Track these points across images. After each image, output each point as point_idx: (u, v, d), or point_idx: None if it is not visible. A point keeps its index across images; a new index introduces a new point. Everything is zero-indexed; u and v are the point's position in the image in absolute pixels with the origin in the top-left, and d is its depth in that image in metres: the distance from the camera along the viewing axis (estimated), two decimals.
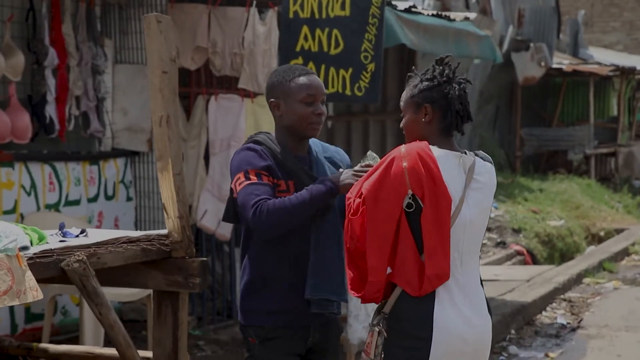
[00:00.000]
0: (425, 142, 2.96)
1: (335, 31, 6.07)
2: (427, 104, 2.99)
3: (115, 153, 6.52)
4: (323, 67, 6.20)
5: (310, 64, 6.20)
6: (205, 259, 3.51)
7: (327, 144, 3.55)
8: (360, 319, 5.50)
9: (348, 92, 6.14)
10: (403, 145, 2.98)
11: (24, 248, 2.93)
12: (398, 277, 2.93)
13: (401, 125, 3.11)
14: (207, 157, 6.51)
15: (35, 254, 2.96)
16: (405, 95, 3.05)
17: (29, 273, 2.81)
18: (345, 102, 7.28)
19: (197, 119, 6.52)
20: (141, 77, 6.26)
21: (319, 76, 6.32)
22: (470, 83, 3.12)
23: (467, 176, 2.96)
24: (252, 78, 6.34)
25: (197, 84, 6.71)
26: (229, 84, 6.67)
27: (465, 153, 3.02)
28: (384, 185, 2.89)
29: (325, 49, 6.12)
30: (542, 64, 15.63)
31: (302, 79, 3.30)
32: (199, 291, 3.57)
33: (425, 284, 2.90)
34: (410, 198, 2.88)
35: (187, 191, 6.16)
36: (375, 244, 2.91)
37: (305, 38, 6.16)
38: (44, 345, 3.83)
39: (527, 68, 15.68)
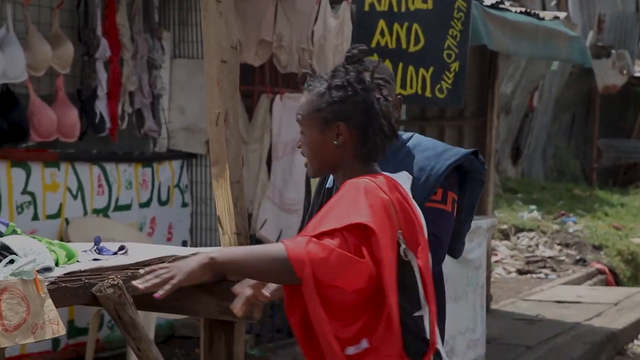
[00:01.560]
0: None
1: (415, 26, 5.54)
2: (340, 122, 2.23)
3: (171, 155, 6.13)
4: (401, 65, 5.66)
5: (387, 62, 5.65)
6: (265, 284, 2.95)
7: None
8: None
9: (428, 93, 5.60)
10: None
11: (46, 269, 2.41)
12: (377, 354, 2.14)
13: (298, 145, 2.31)
14: (269, 162, 6.02)
15: (59, 277, 2.44)
16: (305, 105, 2.25)
17: (49, 302, 2.28)
18: (425, 105, 6.72)
19: (260, 119, 6.04)
20: (201, 72, 5.78)
21: (395, 76, 5.85)
22: (391, 83, 2.41)
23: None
24: None
25: (261, 82, 6.21)
26: (295, 83, 6.15)
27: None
28: (379, 219, 2.12)
29: (404, 45, 5.60)
30: (624, 72, 14.88)
31: None
32: (257, 323, 3.00)
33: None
34: (403, 242, 2.17)
35: (247, 199, 5.68)
36: (393, 290, 2.14)
37: (382, 33, 5.64)
38: None
39: (608, 76, 14.95)
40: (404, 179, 2.31)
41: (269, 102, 6.05)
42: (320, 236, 2.07)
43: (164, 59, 5.95)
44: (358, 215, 2.08)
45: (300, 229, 2.73)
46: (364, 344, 2.11)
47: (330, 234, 2.07)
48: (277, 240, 5.92)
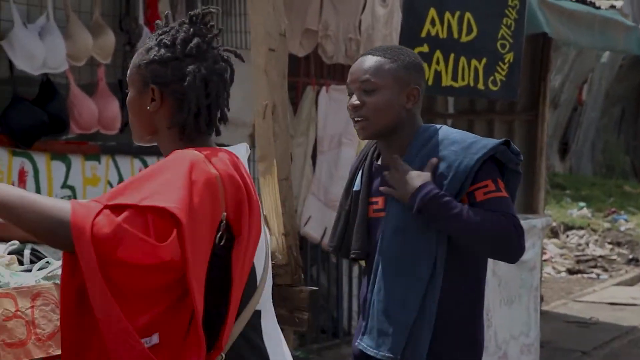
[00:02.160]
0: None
1: (467, 15, 5.31)
2: (154, 86, 1.98)
3: None
4: (452, 56, 5.43)
5: (437, 53, 5.43)
6: (316, 288, 2.80)
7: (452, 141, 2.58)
8: (489, 351, 4.74)
9: (481, 85, 5.37)
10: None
11: None
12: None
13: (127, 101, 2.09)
14: (314, 156, 5.83)
15: None
16: (134, 59, 2.04)
17: None
18: (477, 97, 6.49)
19: (305, 112, 5.85)
20: (245, 63, 5.60)
21: (446, 67, 5.62)
22: (242, 60, 2.10)
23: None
24: None
25: (306, 73, 6.00)
26: (341, 74, 5.95)
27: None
28: (198, 201, 1.79)
29: (456, 35, 5.37)
30: None
31: None
32: (306, 330, 2.82)
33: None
34: (224, 226, 1.84)
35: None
36: (200, 289, 1.80)
37: (432, 22, 5.41)
38: None
39: None
40: (242, 153, 2.05)
41: (314, 94, 5.86)
42: (117, 208, 1.74)
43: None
44: (167, 196, 1.75)
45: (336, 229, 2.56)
46: (155, 339, 1.78)
47: (129, 208, 1.74)
48: (322, 239, 5.72)
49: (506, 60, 5.28)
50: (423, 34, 5.42)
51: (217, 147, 2.01)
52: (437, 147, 2.47)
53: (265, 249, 2.02)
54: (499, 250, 2.40)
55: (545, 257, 9.57)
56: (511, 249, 2.38)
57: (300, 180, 5.82)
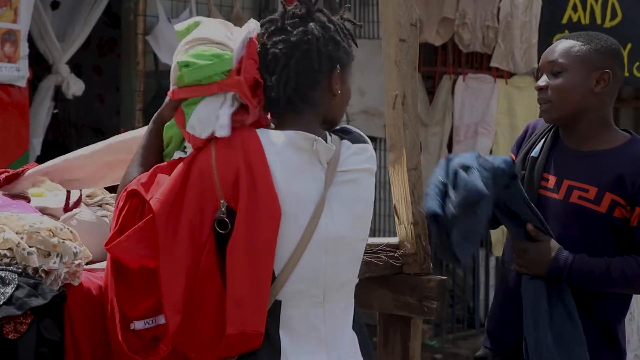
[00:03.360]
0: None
1: (612, 0, 5.13)
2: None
3: None
4: None
5: None
6: (444, 277, 2.78)
7: None
8: (632, 346, 4.59)
9: (625, 72, 5.18)
10: None
11: None
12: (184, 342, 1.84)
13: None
14: (449, 145, 5.79)
15: None
16: None
17: None
18: (622, 85, 6.27)
19: (442, 101, 5.82)
20: (381, 54, 5.62)
21: None
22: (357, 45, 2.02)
23: (328, 170, 1.92)
24: (508, 55, 5.54)
25: (443, 62, 5.96)
26: (479, 63, 5.88)
27: (329, 135, 1.97)
28: (185, 192, 1.84)
29: (599, 21, 5.23)
30: None
31: None
32: (435, 318, 2.82)
33: (222, 349, 1.84)
34: (223, 212, 1.85)
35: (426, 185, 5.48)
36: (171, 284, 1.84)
37: (574, 8, 5.28)
38: None
39: None
40: (361, 151, 2.00)
41: (451, 83, 5.82)
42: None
43: None
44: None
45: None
46: (161, 319, 1.86)
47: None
48: None
49: None
50: (564, 20, 5.30)
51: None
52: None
53: (296, 243, 1.90)
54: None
55: None
56: None
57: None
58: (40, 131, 4.72)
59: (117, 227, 1.86)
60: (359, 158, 1.98)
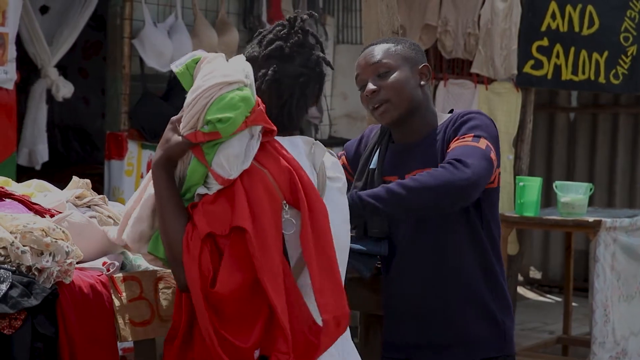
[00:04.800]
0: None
1: (589, 8, 5.26)
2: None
3: (333, 141, 6.05)
4: (572, 49, 5.38)
5: (557, 46, 5.40)
6: None
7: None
8: (607, 347, 4.68)
9: (602, 79, 5.31)
10: None
11: None
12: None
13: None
14: None
15: None
16: None
17: None
18: (598, 91, 6.38)
19: None
20: None
21: (566, 61, 5.57)
22: (332, 67, 2.10)
23: (319, 173, 2.01)
24: (488, 62, 5.63)
25: None
26: (460, 68, 5.97)
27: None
28: (255, 208, 1.89)
29: (577, 28, 5.32)
30: None
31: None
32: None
33: (323, 338, 1.92)
34: (287, 213, 1.93)
35: None
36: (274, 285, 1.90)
37: (553, 16, 5.37)
38: None
39: None
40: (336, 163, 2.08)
41: (432, 88, 5.91)
42: None
43: (327, 44, 5.90)
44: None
45: None
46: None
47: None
48: None
49: (629, 53, 5.19)
50: (543, 28, 5.40)
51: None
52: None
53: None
54: (447, 199, 2.33)
55: None
56: (455, 188, 2.29)
57: None
58: (44, 137, 4.74)
59: (204, 273, 1.84)
60: (339, 167, 2.08)
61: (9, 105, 4.18)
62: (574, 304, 5.71)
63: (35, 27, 4.64)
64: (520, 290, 7.30)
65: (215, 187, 1.90)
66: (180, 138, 1.92)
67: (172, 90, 5.00)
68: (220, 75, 1.91)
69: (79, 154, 7.10)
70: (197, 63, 1.96)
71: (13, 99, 4.23)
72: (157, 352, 2.93)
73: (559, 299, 7.38)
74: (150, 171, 1.99)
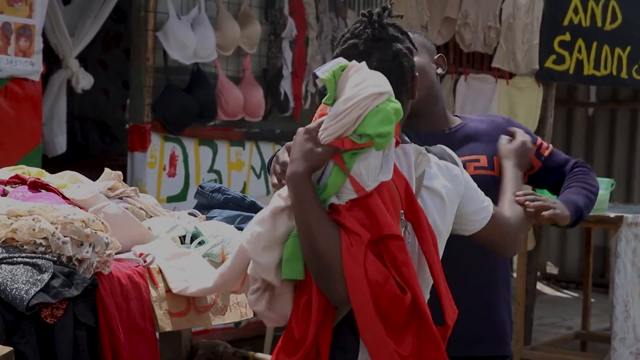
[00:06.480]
0: None
1: (612, 2, 5.25)
2: None
3: None
4: (595, 44, 5.37)
5: (580, 41, 5.39)
6: None
7: None
8: (627, 343, 4.68)
9: (624, 74, 5.30)
10: None
11: None
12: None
13: None
14: None
15: None
16: None
17: None
18: (620, 86, 6.36)
19: None
20: None
21: (588, 56, 5.55)
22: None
23: (417, 181, 1.96)
24: (509, 56, 5.61)
25: None
26: (479, 63, 5.95)
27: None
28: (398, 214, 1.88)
29: (599, 23, 5.31)
30: None
31: None
32: None
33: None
34: (403, 223, 1.90)
35: None
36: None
37: (576, 11, 5.36)
38: (261, 355, 3.34)
39: None
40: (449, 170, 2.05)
41: (452, 82, 5.89)
42: None
43: None
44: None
45: None
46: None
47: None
48: None
49: None
50: (565, 22, 5.38)
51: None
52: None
53: None
54: None
55: None
56: None
57: None
58: (64, 128, 4.76)
59: (372, 281, 1.79)
60: (441, 178, 2.01)
61: (35, 97, 4.20)
62: (591, 299, 5.71)
63: (58, 17, 4.65)
64: (537, 285, 7.31)
65: (346, 197, 1.83)
66: (321, 147, 1.83)
67: (195, 83, 5.01)
68: (373, 85, 1.84)
69: (98, 146, 7.13)
70: (343, 70, 1.86)
71: (39, 91, 4.26)
72: (182, 343, 2.96)
73: (575, 295, 7.38)
74: (274, 189, 1.93)
